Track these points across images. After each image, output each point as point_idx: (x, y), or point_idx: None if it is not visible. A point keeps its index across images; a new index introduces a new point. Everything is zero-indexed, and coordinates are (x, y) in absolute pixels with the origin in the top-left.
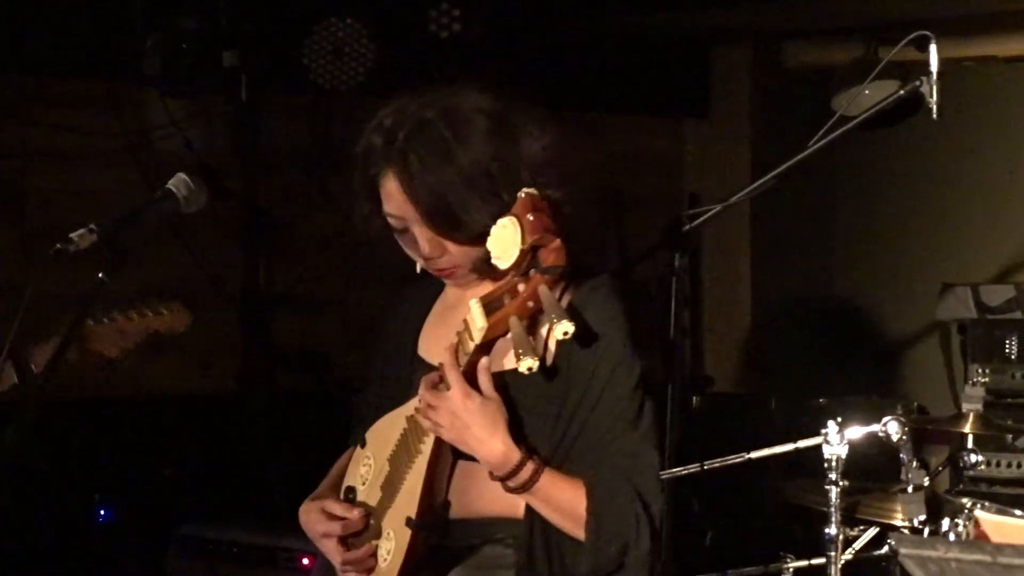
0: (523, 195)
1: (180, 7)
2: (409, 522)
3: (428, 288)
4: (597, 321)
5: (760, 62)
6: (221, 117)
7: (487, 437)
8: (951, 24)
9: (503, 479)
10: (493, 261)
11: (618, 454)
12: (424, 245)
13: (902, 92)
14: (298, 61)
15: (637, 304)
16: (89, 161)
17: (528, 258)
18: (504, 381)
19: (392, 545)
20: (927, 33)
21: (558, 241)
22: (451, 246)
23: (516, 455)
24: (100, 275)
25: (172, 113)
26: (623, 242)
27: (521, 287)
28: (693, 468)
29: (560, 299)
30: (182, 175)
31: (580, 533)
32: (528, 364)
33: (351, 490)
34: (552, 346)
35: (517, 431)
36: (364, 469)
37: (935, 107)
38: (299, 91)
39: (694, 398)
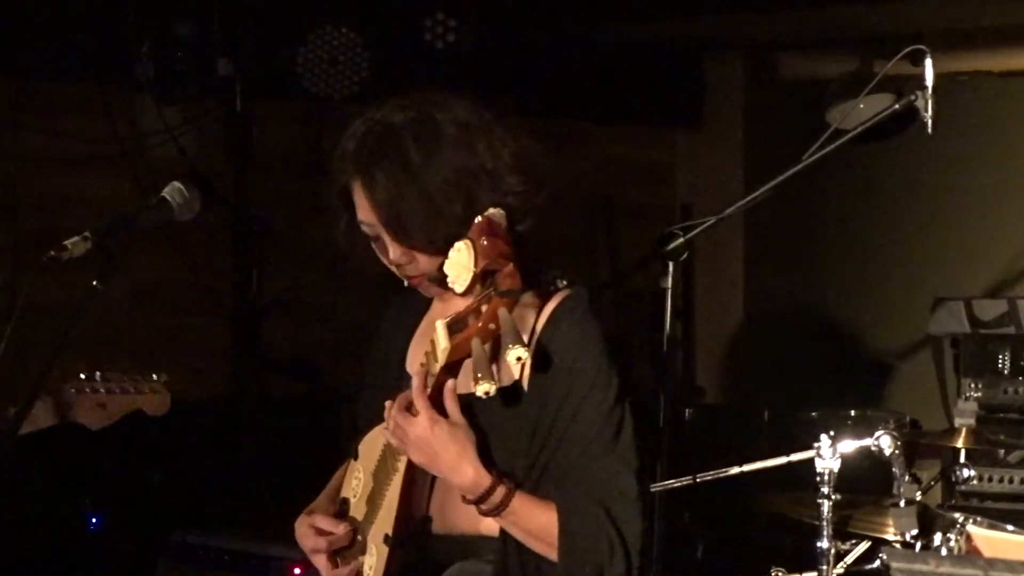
0: (480, 219)
1: (175, 13)
2: (387, 539)
3: (420, 298)
4: (568, 343)
5: (753, 74)
6: (214, 124)
7: (456, 463)
8: (945, 38)
9: (475, 503)
10: (449, 284)
11: (592, 478)
12: (392, 252)
13: (897, 106)
14: (292, 69)
15: (626, 317)
16: (82, 167)
17: (482, 281)
18: (473, 403)
19: (373, 561)
20: (922, 47)
21: (511, 266)
22: (419, 256)
23: (487, 480)
24: (94, 282)
25: (166, 119)
26: (615, 252)
27: (484, 308)
28: (685, 480)
29: (536, 320)
30: (176, 183)
31: (554, 556)
32: (485, 388)
33: (345, 502)
34: (515, 369)
35: (489, 454)
36: (355, 482)
37: (930, 121)
38: (292, 99)
39: (686, 410)
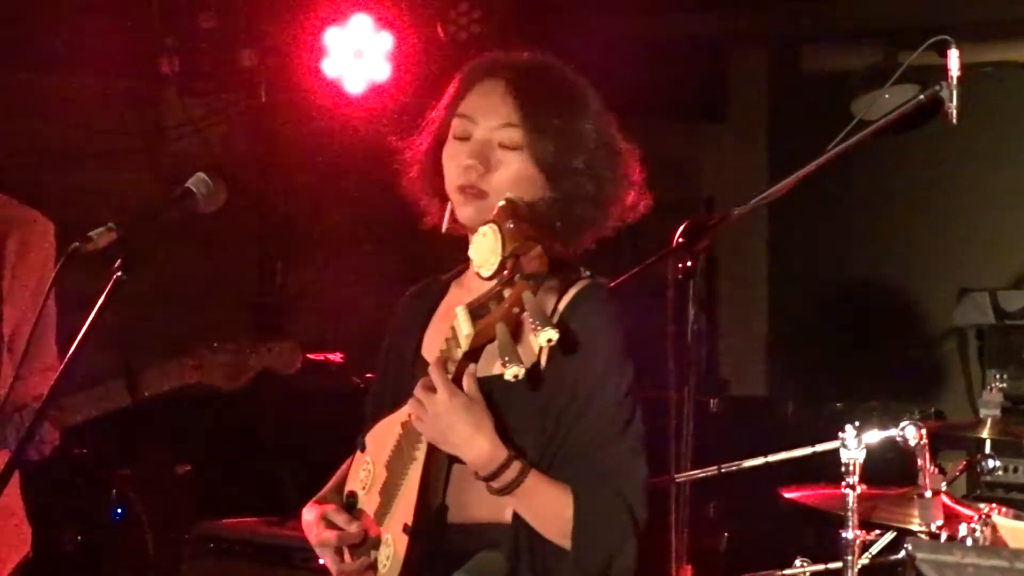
0: (503, 202)
1: (199, 6)
2: (406, 528)
3: (435, 287)
4: (587, 327)
5: (778, 66)
6: (239, 117)
7: (472, 434)
8: (970, 29)
9: (488, 479)
10: (475, 270)
11: (605, 463)
12: (482, 154)
13: (922, 97)
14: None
15: (649, 309)
16: (106, 159)
17: (509, 265)
18: (491, 387)
19: (391, 551)
20: (947, 38)
21: (538, 248)
22: (500, 175)
23: (502, 454)
24: (119, 273)
25: (189, 112)
26: (637, 244)
27: (507, 293)
28: (710, 471)
29: (556, 304)
30: (201, 174)
31: (565, 541)
32: (514, 371)
33: (352, 495)
34: (539, 353)
35: (504, 437)
36: (363, 474)
37: (954, 112)
38: (317, 92)
39: (711, 401)
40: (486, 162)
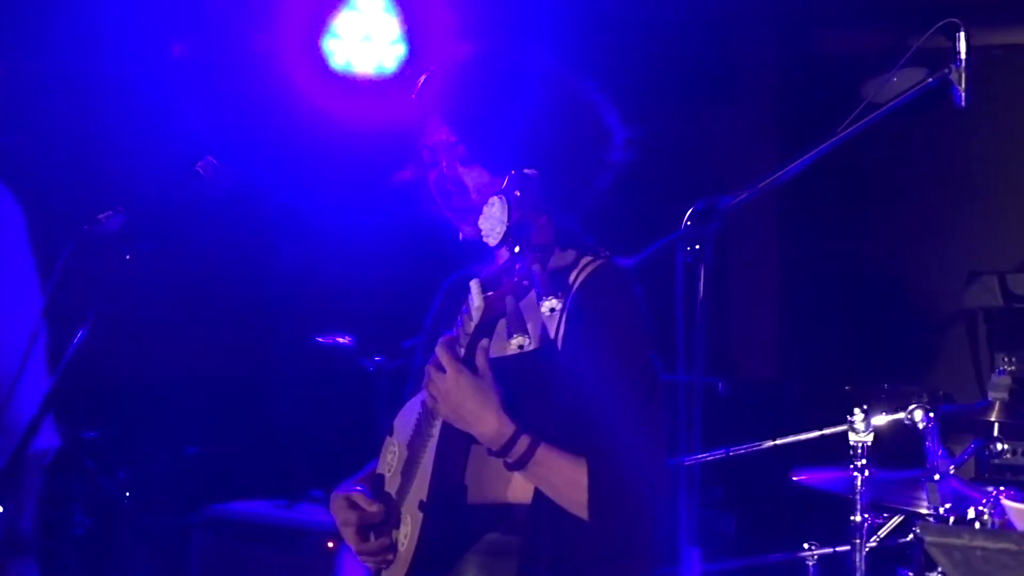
0: (512, 172)
1: None
2: (421, 505)
3: (471, 273)
4: (602, 302)
5: (787, 47)
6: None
7: (479, 411)
8: (979, 12)
9: (499, 454)
10: (483, 239)
11: (622, 434)
12: (452, 178)
13: (931, 80)
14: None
15: (660, 291)
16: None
17: (516, 235)
18: (510, 364)
19: (408, 529)
20: (956, 21)
21: (544, 218)
22: (473, 187)
23: (509, 429)
24: (127, 256)
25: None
26: (648, 226)
27: (517, 265)
28: (718, 454)
29: (577, 275)
30: (210, 157)
31: (583, 512)
32: (518, 341)
33: (380, 478)
34: (549, 322)
35: (523, 412)
36: (390, 456)
37: (963, 95)
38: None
39: (719, 384)
40: (457, 184)
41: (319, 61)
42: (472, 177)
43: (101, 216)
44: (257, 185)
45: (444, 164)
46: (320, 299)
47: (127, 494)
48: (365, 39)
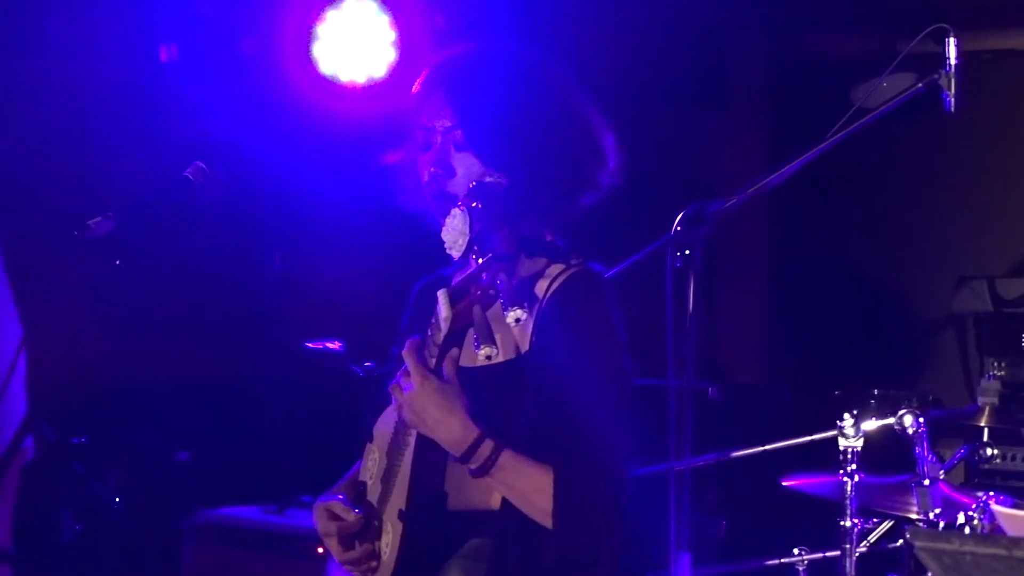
0: (473, 184)
1: None
2: (400, 514)
3: (443, 276)
4: (574, 311)
5: (777, 52)
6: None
7: (444, 417)
8: (969, 17)
9: (463, 459)
10: (447, 251)
11: (589, 443)
12: (442, 161)
13: (920, 85)
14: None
15: (649, 297)
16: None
17: (479, 246)
18: (480, 375)
19: (390, 538)
20: (945, 26)
21: (506, 228)
22: (460, 175)
23: (473, 434)
24: (117, 261)
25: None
26: (637, 230)
27: (484, 275)
28: (708, 459)
29: (548, 285)
30: (199, 163)
31: (548, 520)
32: (486, 351)
33: (362, 485)
34: (515, 332)
35: (489, 424)
36: (371, 463)
37: (953, 100)
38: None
39: (709, 389)
40: (447, 167)
41: (311, 67)
42: (463, 163)
43: (91, 221)
44: (247, 190)
45: (438, 145)
46: (310, 305)
47: (117, 499)
48: (354, 44)
